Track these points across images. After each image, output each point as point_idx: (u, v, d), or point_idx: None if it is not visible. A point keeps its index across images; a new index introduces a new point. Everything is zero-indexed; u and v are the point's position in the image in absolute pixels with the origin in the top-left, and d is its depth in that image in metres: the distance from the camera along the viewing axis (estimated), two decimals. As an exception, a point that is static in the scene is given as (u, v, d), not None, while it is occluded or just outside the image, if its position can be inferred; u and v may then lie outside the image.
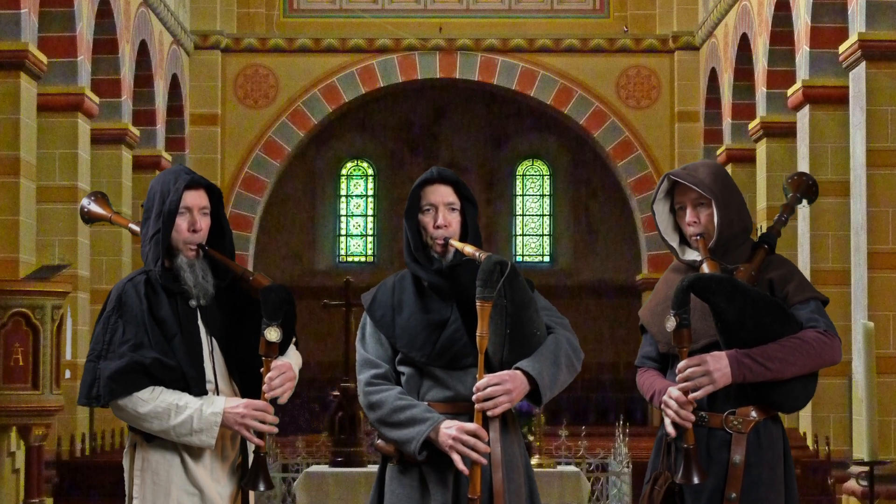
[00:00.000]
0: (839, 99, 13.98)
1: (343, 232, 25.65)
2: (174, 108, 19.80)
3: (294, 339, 4.85)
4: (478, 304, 4.48)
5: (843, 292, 13.20)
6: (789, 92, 14.95)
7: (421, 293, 4.69)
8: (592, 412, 23.71)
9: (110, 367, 4.60)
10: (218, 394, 4.71)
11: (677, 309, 4.54)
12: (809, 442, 14.32)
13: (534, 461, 10.07)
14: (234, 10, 21.29)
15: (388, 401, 4.59)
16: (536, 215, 25.77)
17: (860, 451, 6.82)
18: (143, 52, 17.78)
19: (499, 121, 25.14)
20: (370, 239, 25.65)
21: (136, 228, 5.05)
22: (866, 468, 5.71)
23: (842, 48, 12.81)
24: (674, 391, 4.60)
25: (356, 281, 11.33)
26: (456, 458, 4.48)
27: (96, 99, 14.90)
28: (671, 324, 4.55)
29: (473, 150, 25.30)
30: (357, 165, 25.74)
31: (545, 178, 25.77)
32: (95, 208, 5.33)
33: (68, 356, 13.41)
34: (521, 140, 25.49)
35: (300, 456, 11.75)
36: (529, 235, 25.78)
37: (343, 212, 25.68)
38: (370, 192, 25.68)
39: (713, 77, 19.86)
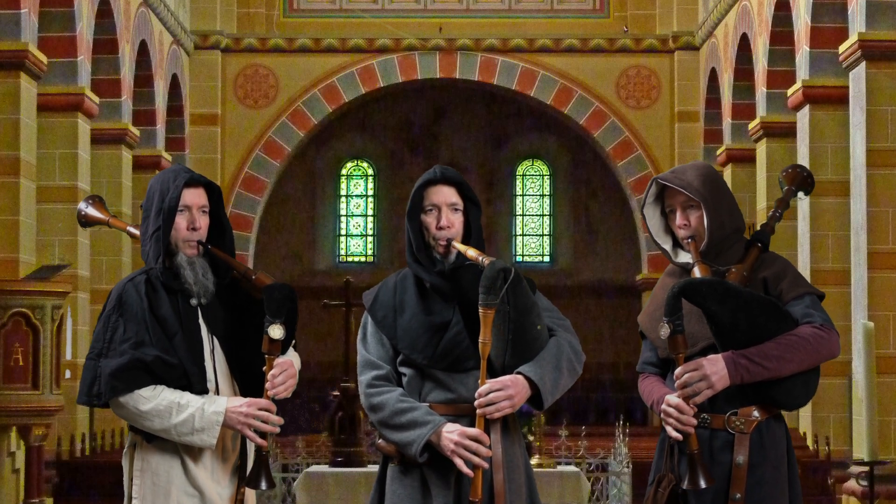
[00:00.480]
0: (839, 99, 13.98)
1: (343, 232, 25.65)
2: (174, 108, 19.79)
3: (293, 342, 4.82)
4: (480, 310, 4.46)
5: (843, 292, 13.20)
6: (789, 92, 14.94)
7: (423, 294, 4.67)
8: (592, 412, 23.70)
9: (111, 365, 4.58)
10: (218, 393, 4.69)
11: (670, 316, 4.50)
12: (809, 442, 14.32)
13: (534, 461, 10.07)
14: (234, 10, 21.28)
15: (389, 403, 4.58)
16: (536, 215, 25.75)
17: (860, 451, 6.81)
18: (143, 52, 17.77)
19: (499, 121, 25.13)
20: (370, 239, 25.64)
21: (135, 231, 5.04)
22: (866, 468, 5.71)
23: (842, 48, 12.80)
24: (672, 399, 4.57)
25: (356, 281, 11.33)
26: (459, 462, 4.48)
27: (96, 99, 14.89)
28: (665, 331, 4.51)
29: (473, 150, 25.29)
30: (357, 165, 25.73)
31: (545, 178, 25.76)
32: (92, 212, 5.31)
33: (68, 356, 13.41)
34: (521, 140, 25.48)
35: (300, 456, 11.76)
36: (529, 235, 25.76)
37: (343, 212, 25.67)
38: (370, 192, 25.67)
39: (713, 77, 19.85)
